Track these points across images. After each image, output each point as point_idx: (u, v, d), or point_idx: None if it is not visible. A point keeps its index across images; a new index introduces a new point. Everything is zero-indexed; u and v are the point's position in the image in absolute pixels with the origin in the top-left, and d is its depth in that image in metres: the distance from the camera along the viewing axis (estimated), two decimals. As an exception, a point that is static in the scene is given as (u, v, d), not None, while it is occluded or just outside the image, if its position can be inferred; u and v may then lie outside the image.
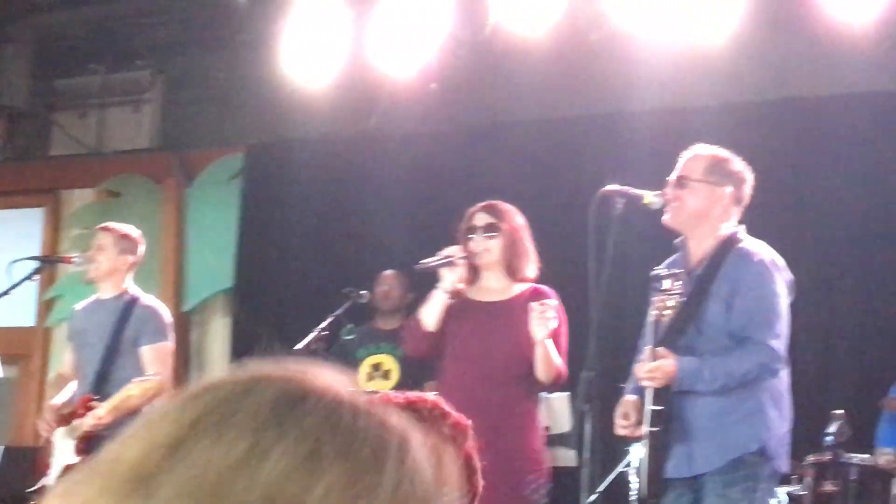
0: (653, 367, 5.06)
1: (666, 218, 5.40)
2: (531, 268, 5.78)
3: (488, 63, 8.20)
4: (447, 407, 2.53)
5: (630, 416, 5.22)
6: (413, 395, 2.54)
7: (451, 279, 5.67)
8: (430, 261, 5.65)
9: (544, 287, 5.74)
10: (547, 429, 6.56)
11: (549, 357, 5.53)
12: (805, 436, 5.63)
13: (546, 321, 5.48)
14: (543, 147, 8.48)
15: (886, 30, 7.10)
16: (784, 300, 5.24)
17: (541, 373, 5.56)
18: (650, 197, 5.39)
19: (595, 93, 8.24)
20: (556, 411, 6.91)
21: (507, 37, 7.65)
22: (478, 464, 2.51)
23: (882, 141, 7.57)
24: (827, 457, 5.58)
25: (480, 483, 2.50)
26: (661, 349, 5.07)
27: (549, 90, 8.25)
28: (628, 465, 5.02)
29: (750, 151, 5.47)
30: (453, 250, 5.67)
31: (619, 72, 7.96)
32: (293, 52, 8.20)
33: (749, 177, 5.42)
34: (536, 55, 7.78)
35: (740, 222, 5.41)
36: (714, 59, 7.56)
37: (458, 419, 2.50)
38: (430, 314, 5.69)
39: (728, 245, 5.33)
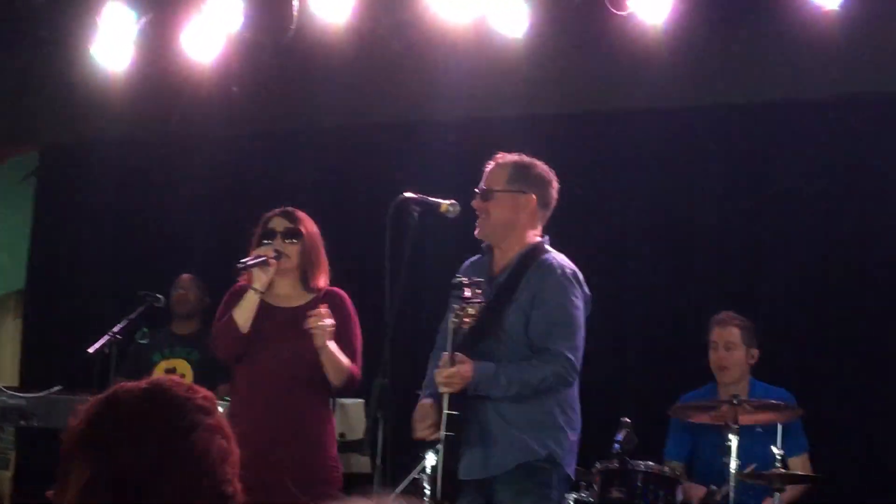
0: (450, 372, 5.10)
1: (476, 231, 5.46)
2: (323, 278, 5.76)
3: (290, 68, 8.16)
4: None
5: (426, 419, 5.26)
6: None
7: (263, 280, 5.62)
8: (247, 260, 5.59)
9: (338, 290, 5.74)
10: (342, 435, 6.56)
11: (335, 361, 5.52)
12: (594, 443, 5.73)
13: (322, 328, 5.47)
14: (344, 153, 8.48)
15: (679, 45, 7.29)
16: (582, 313, 5.34)
17: (331, 377, 5.55)
18: (446, 205, 5.43)
19: (397, 101, 8.27)
20: (352, 417, 6.91)
21: (310, 42, 7.63)
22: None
23: (677, 154, 7.76)
24: (614, 464, 5.69)
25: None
26: (459, 354, 5.11)
27: (352, 97, 8.24)
28: (423, 470, 5.04)
29: (548, 163, 5.55)
30: (266, 250, 5.62)
31: (421, 80, 8.01)
32: (93, 51, 8.02)
33: (553, 179, 5.50)
34: (339, 62, 7.77)
35: (546, 232, 5.49)
36: (513, 71, 7.68)
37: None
38: (244, 315, 5.62)
39: (532, 255, 5.39)
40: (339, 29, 7.50)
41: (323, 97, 8.28)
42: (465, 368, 5.11)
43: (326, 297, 5.65)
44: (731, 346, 6.66)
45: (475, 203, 5.43)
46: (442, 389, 5.14)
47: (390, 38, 7.77)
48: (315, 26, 7.50)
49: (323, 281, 5.75)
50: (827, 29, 6.98)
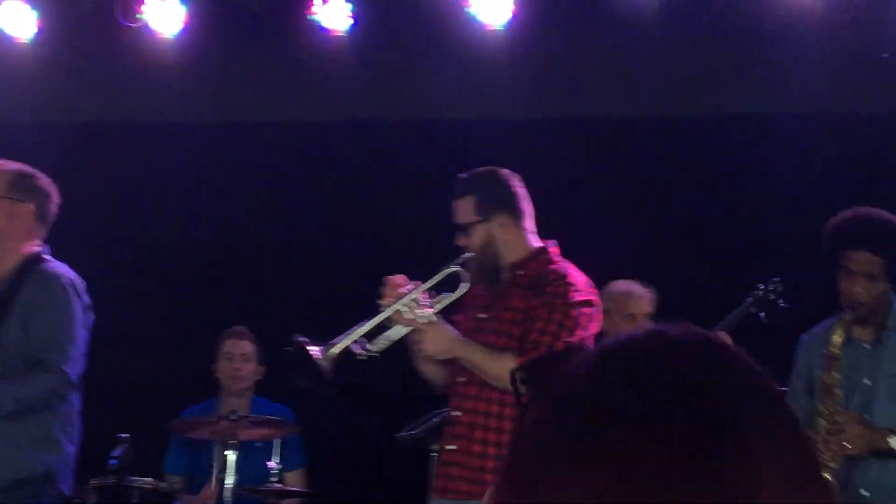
0: None
1: None
2: None
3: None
4: None
5: None
6: None
7: None
8: None
9: None
10: None
11: None
12: (92, 459, 5.65)
13: None
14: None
15: (191, 59, 7.32)
16: (80, 325, 5.23)
17: None
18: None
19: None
20: None
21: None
22: None
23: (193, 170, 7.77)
24: (110, 480, 5.62)
25: None
26: None
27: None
28: None
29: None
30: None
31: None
32: None
33: (54, 193, 5.37)
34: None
35: (47, 241, 5.35)
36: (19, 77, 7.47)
37: None
38: None
39: (29, 266, 5.25)
40: None
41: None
42: None
43: None
44: (246, 358, 6.73)
45: None
46: None
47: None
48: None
49: None
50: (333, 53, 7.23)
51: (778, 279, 5.36)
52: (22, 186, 5.30)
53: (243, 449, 5.98)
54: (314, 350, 4.69)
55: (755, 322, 5.72)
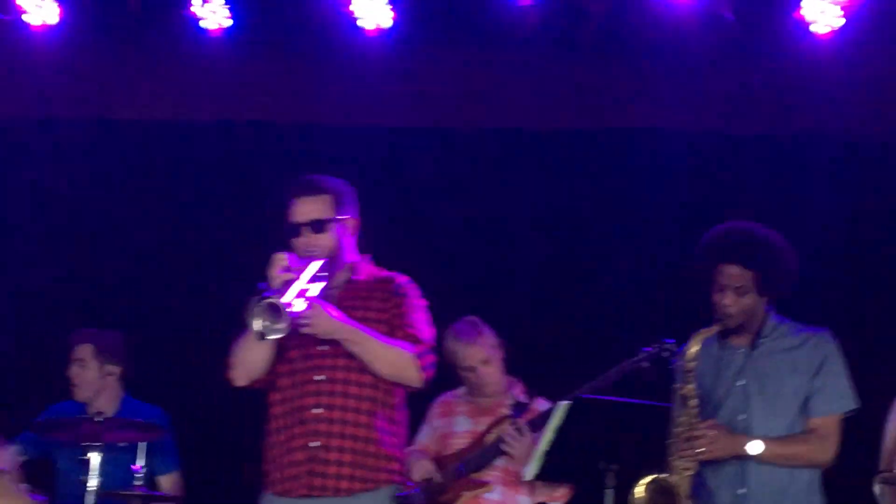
0: None
1: None
2: None
3: None
4: None
5: None
6: None
7: None
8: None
9: None
10: None
11: None
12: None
13: None
14: None
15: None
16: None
17: None
18: None
19: None
20: None
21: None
22: None
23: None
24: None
25: None
26: None
27: None
28: None
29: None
30: None
31: None
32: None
33: None
34: None
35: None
36: None
37: None
38: None
39: None
40: None
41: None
42: None
43: None
44: (83, 364, 6.62)
45: None
46: None
47: None
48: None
49: None
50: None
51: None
52: None
53: (108, 451, 5.88)
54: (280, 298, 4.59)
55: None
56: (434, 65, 7.47)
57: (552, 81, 7.47)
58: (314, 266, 4.84)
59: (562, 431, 4.81)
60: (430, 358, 5.00)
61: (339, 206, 5.05)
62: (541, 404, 5.65)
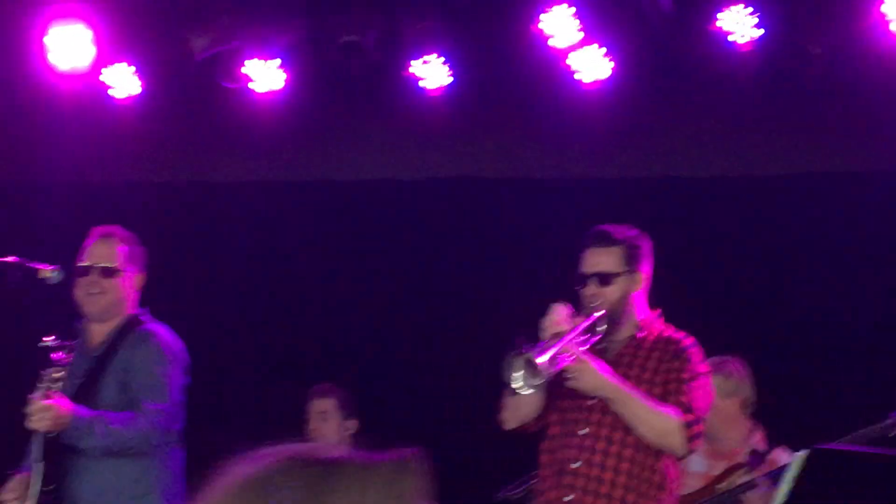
0: (44, 406, 4.97)
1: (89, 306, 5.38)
2: None
3: None
4: None
5: (15, 492, 5.12)
6: None
7: None
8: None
9: None
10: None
11: None
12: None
13: None
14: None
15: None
16: (178, 381, 5.28)
17: None
18: (47, 272, 5.29)
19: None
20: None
21: None
22: None
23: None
24: None
25: None
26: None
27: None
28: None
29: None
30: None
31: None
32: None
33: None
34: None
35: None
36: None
37: None
38: None
39: (128, 327, 5.35)
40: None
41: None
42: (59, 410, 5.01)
43: None
44: (325, 416, 6.72)
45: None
46: (33, 426, 5.02)
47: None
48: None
49: None
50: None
51: None
52: (137, 256, 5.44)
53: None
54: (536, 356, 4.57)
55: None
56: (654, 115, 7.43)
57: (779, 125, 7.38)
58: (592, 319, 4.82)
59: (798, 485, 4.65)
60: (699, 428, 4.84)
61: (629, 260, 4.99)
62: (779, 455, 5.52)
